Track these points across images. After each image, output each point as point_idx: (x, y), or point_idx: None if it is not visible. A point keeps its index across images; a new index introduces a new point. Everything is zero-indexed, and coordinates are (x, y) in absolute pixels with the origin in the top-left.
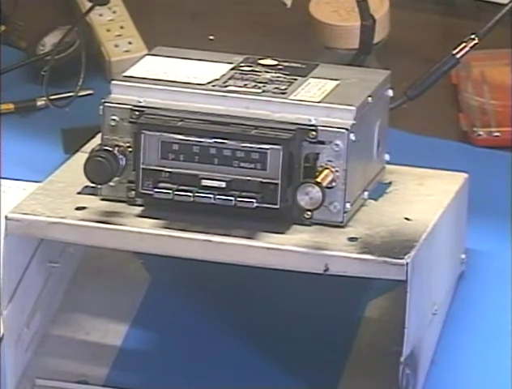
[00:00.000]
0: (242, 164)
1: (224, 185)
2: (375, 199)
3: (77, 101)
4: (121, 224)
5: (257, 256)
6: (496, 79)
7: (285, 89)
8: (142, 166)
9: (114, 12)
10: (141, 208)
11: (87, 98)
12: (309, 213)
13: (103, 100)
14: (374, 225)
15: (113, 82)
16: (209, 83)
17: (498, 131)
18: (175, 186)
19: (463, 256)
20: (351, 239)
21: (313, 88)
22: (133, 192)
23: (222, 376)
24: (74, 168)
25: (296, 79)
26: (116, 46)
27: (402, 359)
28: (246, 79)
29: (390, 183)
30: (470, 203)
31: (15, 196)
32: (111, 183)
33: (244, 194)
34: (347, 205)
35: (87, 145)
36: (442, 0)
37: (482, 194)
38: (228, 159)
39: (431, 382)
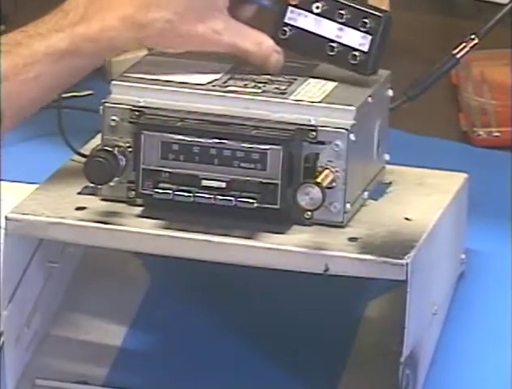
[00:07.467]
0: (242, 165)
1: (223, 185)
2: (375, 199)
3: (77, 101)
4: (121, 224)
5: (257, 256)
6: (496, 79)
7: (285, 89)
8: (142, 166)
9: None
10: (141, 208)
11: (87, 98)
12: (309, 213)
13: (103, 100)
14: (374, 225)
15: (113, 82)
16: (209, 83)
17: (498, 131)
18: (175, 186)
19: (463, 256)
20: (351, 239)
21: (313, 88)
22: (133, 192)
23: (222, 376)
24: (75, 168)
25: (296, 79)
26: None
27: (401, 359)
28: (246, 79)
29: (390, 183)
30: (470, 203)
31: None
32: (111, 183)
33: (244, 194)
34: (347, 205)
35: (87, 145)
36: (442, 0)
37: (482, 194)
38: (227, 159)
39: (431, 382)
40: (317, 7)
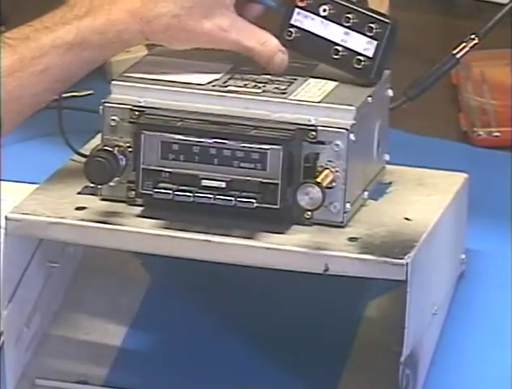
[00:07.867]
0: (242, 164)
1: (223, 185)
2: (375, 199)
3: (77, 101)
4: (121, 224)
5: (257, 256)
6: (496, 79)
7: (285, 89)
8: (142, 166)
9: None
10: (141, 208)
11: (87, 98)
12: (309, 213)
13: (103, 100)
14: (374, 225)
15: (113, 82)
16: (209, 83)
17: (498, 131)
18: (175, 186)
19: (463, 256)
20: (351, 239)
21: (313, 88)
22: (133, 192)
23: (222, 376)
24: (74, 168)
25: (296, 79)
26: None
27: (401, 359)
28: (246, 79)
29: (390, 183)
30: (470, 203)
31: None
32: (111, 183)
33: (244, 194)
34: (347, 205)
35: (87, 145)
36: (442, 0)
37: (482, 194)
38: (227, 159)
39: (431, 382)
40: (325, 10)
